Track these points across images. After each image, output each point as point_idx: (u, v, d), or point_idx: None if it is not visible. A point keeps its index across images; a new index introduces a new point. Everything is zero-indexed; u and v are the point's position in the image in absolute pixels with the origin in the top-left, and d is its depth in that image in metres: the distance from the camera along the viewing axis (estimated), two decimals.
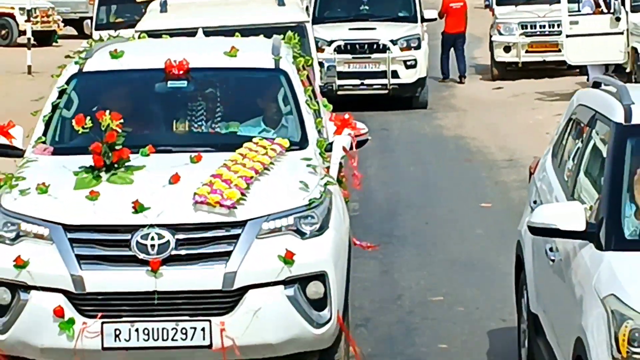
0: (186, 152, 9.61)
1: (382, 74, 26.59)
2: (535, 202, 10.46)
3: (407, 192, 19.42)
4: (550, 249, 9.40)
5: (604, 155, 9.21)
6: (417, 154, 22.81)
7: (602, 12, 28.98)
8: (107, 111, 9.43)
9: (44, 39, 37.92)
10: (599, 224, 8.43)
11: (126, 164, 9.15)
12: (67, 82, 10.51)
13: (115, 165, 9.06)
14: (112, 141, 9.11)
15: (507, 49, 32.25)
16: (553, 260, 9.31)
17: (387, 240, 16.40)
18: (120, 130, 9.28)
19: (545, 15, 31.59)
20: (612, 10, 27.95)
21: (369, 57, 26.76)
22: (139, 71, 10.86)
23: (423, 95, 26.78)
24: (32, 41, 34.77)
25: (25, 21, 38.55)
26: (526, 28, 31.95)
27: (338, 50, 26.54)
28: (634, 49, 26.67)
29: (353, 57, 26.74)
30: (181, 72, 10.33)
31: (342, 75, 26.01)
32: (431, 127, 25.06)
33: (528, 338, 10.34)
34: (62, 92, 10.42)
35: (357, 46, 26.86)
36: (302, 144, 10.08)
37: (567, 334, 8.55)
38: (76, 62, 10.82)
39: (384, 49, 26.66)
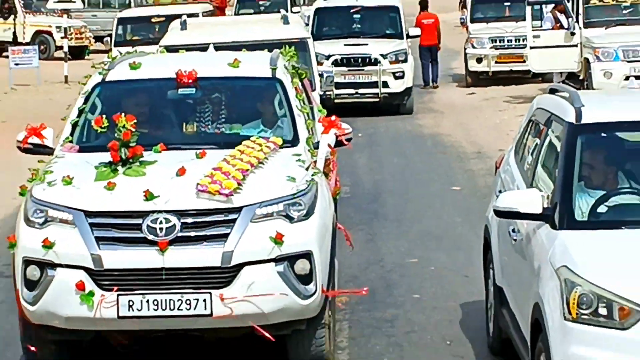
0: (193, 149, 9.69)
1: (374, 84, 26.54)
2: (500, 191, 10.46)
3: (390, 178, 19.84)
4: (513, 230, 9.48)
5: (558, 150, 9.30)
6: (399, 148, 23.04)
7: (560, 28, 29.04)
8: (123, 114, 9.53)
9: (78, 53, 37.81)
10: (554, 208, 8.58)
11: (140, 159, 9.28)
12: (92, 90, 10.66)
13: (130, 161, 9.21)
14: (127, 139, 9.26)
15: (479, 60, 32.33)
16: (515, 240, 9.40)
17: (373, 216, 16.81)
18: (134, 130, 9.39)
19: (512, 31, 31.63)
20: (567, 26, 28.11)
21: (363, 70, 26.72)
22: (153, 80, 10.95)
23: (409, 102, 26.79)
24: (67, 55, 34.75)
25: (62, 38, 38.73)
26: (495, 42, 32.09)
27: (335, 63, 26.50)
28: (586, 59, 26.72)
29: (348, 70, 26.71)
30: (190, 80, 10.44)
31: (338, 85, 25.68)
32: (412, 126, 25.25)
33: (493, 314, 10.41)
34: (87, 99, 10.57)
35: (352, 60, 26.85)
36: (294, 142, 10.19)
37: (527, 301, 8.64)
38: (100, 73, 10.97)
39: (376, 62, 26.64)
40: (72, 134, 10.18)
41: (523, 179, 10.01)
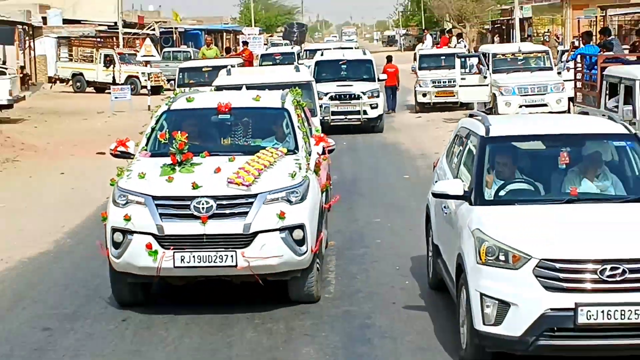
0: (227, 155, 9.82)
1: (357, 112, 26.23)
2: (436, 181, 10.35)
3: (364, 170, 19.96)
4: (444, 207, 9.55)
5: (474, 154, 9.37)
6: (371, 152, 22.96)
7: (479, 72, 29.25)
8: (179, 131, 9.73)
9: (156, 90, 37.52)
10: (470, 191, 8.78)
11: (190, 161, 9.46)
12: (160, 115, 10.78)
13: (184, 162, 9.43)
14: (181, 148, 9.48)
15: (424, 95, 31.97)
16: (446, 213, 9.47)
17: (352, 193, 16.76)
18: (186, 142, 9.55)
19: (445, 76, 31.50)
20: (482, 72, 28.27)
21: (349, 102, 26.30)
22: (202, 109, 11.05)
23: (381, 124, 26.51)
24: (149, 91, 34.47)
25: (145, 80, 38.61)
26: (435, 83, 31.89)
27: (331, 98, 26.14)
28: (494, 94, 26.64)
29: (340, 102, 26.31)
30: (226, 109, 10.57)
31: (333, 113, 25.96)
32: (380, 138, 25.16)
33: (432, 262, 10.43)
34: (157, 121, 10.68)
35: (342, 96, 26.44)
36: (295, 151, 10.25)
37: (453, 253, 8.75)
38: (166, 104, 11.14)
39: (358, 97, 26.27)
40: (146, 145, 10.36)
41: (451, 173, 10.07)
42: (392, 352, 8.61)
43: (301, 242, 9.06)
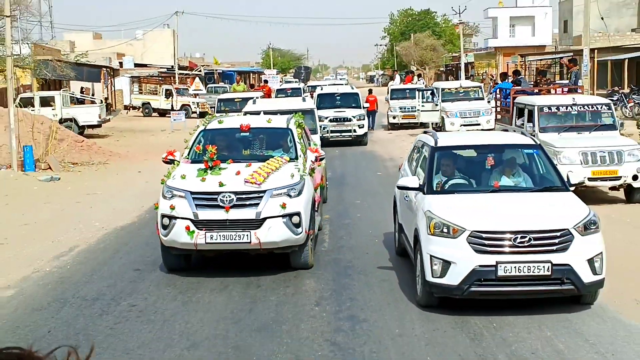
0: (245, 162, 9.59)
1: (349, 131, 25.71)
2: (400, 178, 10.11)
3: (350, 169, 19.64)
4: (406, 196, 9.51)
5: (427, 159, 9.28)
6: (356, 158, 22.59)
7: (432, 101, 29.36)
8: (211, 145, 9.69)
9: (203, 114, 37.41)
10: (424, 184, 8.73)
11: (218, 167, 9.32)
12: (199, 133, 10.53)
13: (213, 167, 9.28)
14: (212, 157, 9.39)
15: (394, 117, 31.66)
16: (407, 200, 9.41)
17: (341, 184, 16.72)
18: (215, 152, 9.47)
19: (409, 104, 30.59)
20: (435, 101, 28.23)
21: (343, 123, 25.75)
22: (229, 129, 10.84)
23: (365, 139, 25.89)
24: (198, 116, 34.50)
25: (195, 107, 38.88)
26: (401, 109, 31.54)
27: (330, 120, 25.59)
28: (442, 117, 26.38)
29: (336, 124, 25.73)
30: (246, 129, 10.43)
31: (332, 131, 25.38)
32: (363, 149, 24.72)
33: (397, 237, 10.25)
34: (196, 137, 10.43)
35: (338, 119, 25.90)
36: (295, 159, 9.94)
37: (411, 228, 8.73)
38: (203, 124, 10.91)
39: (349, 120, 25.83)
40: (187, 154, 10.11)
41: (410, 172, 10.03)
42: (365, 282, 8.94)
43: (298, 225, 8.85)
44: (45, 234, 12.19)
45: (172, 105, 40.94)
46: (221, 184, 8.84)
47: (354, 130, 25.90)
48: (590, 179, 13.07)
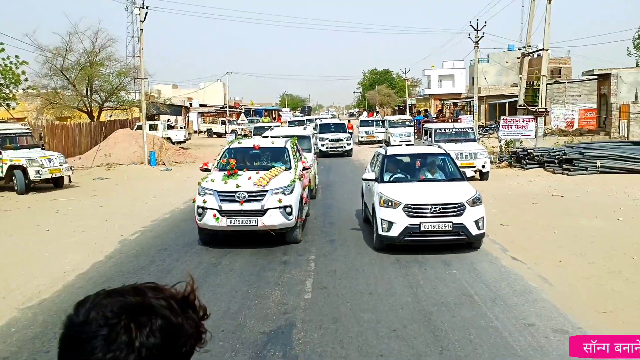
0: (255, 170, 8.76)
1: (341, 147, 24.80)
2: (365, 173, 9.69)
3: (337, 175, 18.23)
4: (367, 185, 9.25)
5: (380, 162, 9.11)
6: (341, 163, 21.77)
7: (384, 127, 29.85)
8: (233, 158, 9.05)
9: (246, 136, 37.40)
10: (377, 177, 8.66)
11: (237, 174, 8.55)
12: (226, 149, 9.64)
13: (233, 174, 8.53)
14: (232, 167, 8.72)
15: (361, 137, 30.86)
16: (368, 187, 9.16)
17: (330, 186, 15.43)
18: (235, 164, 8.83)
19: (370, 129, 31.23)
20: (385, 128, 28.69)
21: (337, 142, 24.91)
22: (245, 147, 9.71)
23: (351, 152, 24.95)
24: (242, 137, 34.17)
25: (241, 131, 37.13)
26: (366, 132, 30.94)
27: (328, 140, 24.85)
28: (389, 137, 27.33)
29: (332, 142, 24.94)
30: (257, 147, 9.61)
31: (329, 147, 24.62)
32: (347, 159, 23.51)
33: (364, 210, 9.83)
34: (223, 152, 9.56)
35: (333, 139, 24.99)
36: (289, 168, 9.04)
37: (370, 203, 8.60)
38: (229, 143, 10.09)
39: (341, 140, 24.93)
40: (216, 165, 9.16)
41: (371, 170, 9.62)
42: (343, 244, 8.54)
43: (290, 213, 8.08)
44: (174, 194, 13.80)
45: (225, 130, 41.15)
46: (237, 186, 8.16)
47: (344, 147, 25.13)
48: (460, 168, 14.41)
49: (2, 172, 14.26)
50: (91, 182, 16.78)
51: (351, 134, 31.55)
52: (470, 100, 43.10)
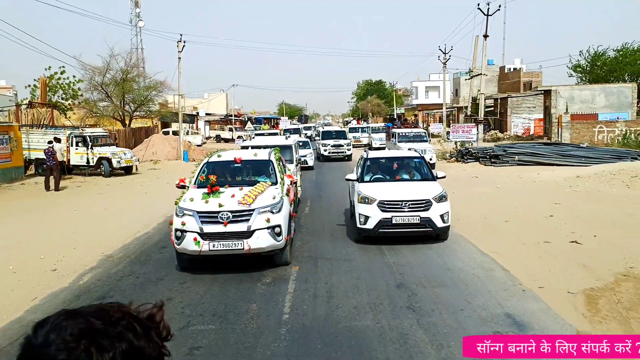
0: (238, 186, 7.47)
1: (342, 152, 24.18)
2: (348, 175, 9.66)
3: (334, 171, 18.38)
4: (353, 184, 9.23)
5: (362, 164, 9.30)
6: (339, 165, 21.36)
7: (368, 133, 30.40)
8: (212, 174, 7.76)
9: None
10: (359, 178, 8.84)
11: (218, 191, 7.26)
12: (203, 164, 8.27)
13: (214, 192, 7.24)
14: (213, 183, 7.42)
15: (324, 149, 28.86)
16: (353, 187, 9.11)
17: (319, 187, 15.17)
18: (215, 180, 7.53)
19: (358, 135, 31.54)
20: (368, 134, 29.51)
21: (339, 149, 24.36)
22: (226, 161, 8.35)
23: (351, 157, 24.07)
24: (247, 140, 33.84)
25: (247, 136, 34.33)
26: (354, 137, 30.57)
27: (331, 146, 24.33)
28: (371, 141, 28.90)
29: (335, 148, 24.35)
30: (238, 161, 8.33)
31: (331, 152, 24.11)
32: (340, 163, 22.84)
33: (351, 206, 9.21)
34: (201, 167, 8.18)
35: (335, 145, 24.40)
36: (275, 183, 7.78)
37: (353, 199, 8.69)
38: (206, 157, 8.67)
39: (342, 146, 24.38)
40: (195, 181, 7.88)
41: (355, 172, 9.55)
42: (331, 233, 8.78)
43: (279, 234, 6.91)
44: None
45: (232, 136, 41.60)
46: (220, 205, 6.92)
47: (345, 152, 24.76)
48: None
49: (93, 161, 18.44)
50: (147, 171, 20.45)
51: None
52: (452, 109, 44.26)
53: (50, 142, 16.47)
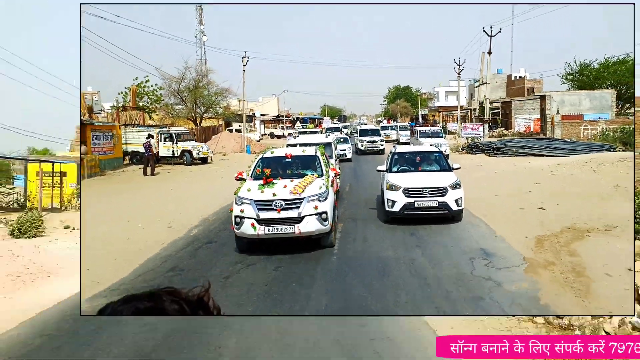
0: (290, 178, 7.25)
1: (377, 147, 23.05)
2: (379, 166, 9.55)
3: (363, 170, 16.51)
4: (383, 175, 9.04)
5: (390, 157, 9.16)
6: (373, 159, 19.86)
7: (396, 130, 30.39)
8: (267, 167, 7.53)
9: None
10: (387, 168, 8.82)
11: (272, 183, 7.01)
12: (258, 160, 7.95)
13: (268, 183, 7.00)
14: (267, 175, 7.21)
15: (361, 144, 25.76)
16: (383, 176, 8.89)
17: (356, 175, 14.95)
18: (269, 172, 7.31)
19: (389, 132, 31.04)
20: (396, 130, 29.50)
21: (373, 144, 23.20)
22: (278, 156, 8.02)
23: (382, 151, 22.59)
24: (296, 137, 33.06)
25: (295, 134, 30.87)
26: (386, 134, 29.53)
27: (367, 142, 23.24)
28: (399, 137, 28.59)
29: (369, 144, 23.25)
30: (290, 156, 8.01)
31: (367, 147, 23.00)
32: (374, 156, 21.54)
33: (382, 193, 8.95)
34: (257, 162, 7.87)
35: (370, 142, 23.25)
36: (321, 175, 7.44)
37: (381, 187, 8.75)
38: (262, 153, 8.41)
39: (376, 141, 23.27)
40: (251, 174, 7.59)
41: (385, 164, 9.33)
42: (364, 214, 8.75)
43: (325, 220, 6.63)
44: None
45: (283, 133, 42.02)
46: (274, 194, 6.71)
47: (378, 147, 23.74)
48: None
49: (177, 153, 19.56)
50: (219, 161, 21.13)
51: None
52: (467, 111, 43.53)
53: (147, 138, 17.70)
